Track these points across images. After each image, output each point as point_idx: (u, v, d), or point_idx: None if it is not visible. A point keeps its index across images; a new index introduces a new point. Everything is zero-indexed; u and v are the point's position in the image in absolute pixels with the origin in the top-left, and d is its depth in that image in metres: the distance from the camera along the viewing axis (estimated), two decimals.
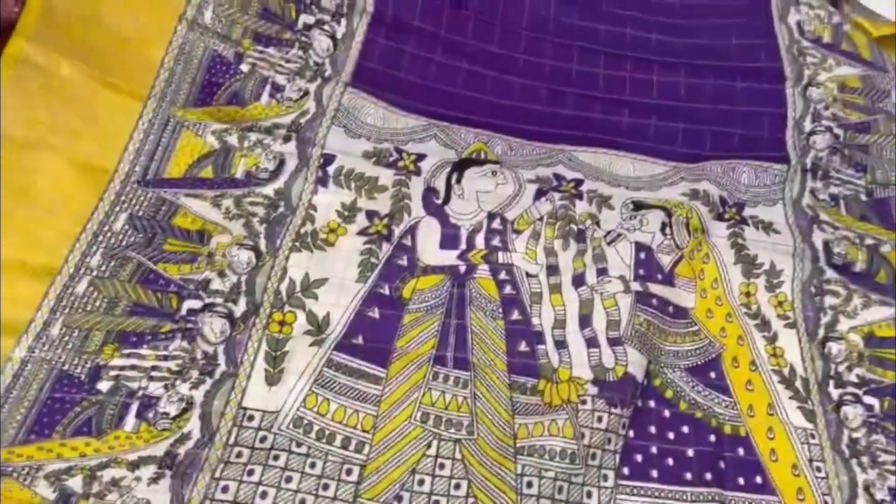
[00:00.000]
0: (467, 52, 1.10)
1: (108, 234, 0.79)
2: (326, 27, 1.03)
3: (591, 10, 1.19)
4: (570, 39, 1.15)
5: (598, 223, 0.97)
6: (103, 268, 0.77)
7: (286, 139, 0.94)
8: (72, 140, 0.81)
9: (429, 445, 0.76)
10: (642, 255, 0.95)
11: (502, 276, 0.90)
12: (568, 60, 1.13)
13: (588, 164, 1.04)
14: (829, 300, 0.95)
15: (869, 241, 1.01)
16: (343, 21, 1.05)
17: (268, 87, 0.96)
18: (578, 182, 1.01)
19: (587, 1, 1.20)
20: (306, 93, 0.98)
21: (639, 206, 0.99)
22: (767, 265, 0.97)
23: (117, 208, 0.81)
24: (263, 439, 0.73)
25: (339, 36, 1.04)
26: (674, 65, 1.15)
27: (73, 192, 0.79)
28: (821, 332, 0.93)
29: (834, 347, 0.91)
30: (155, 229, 0.81)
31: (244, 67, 0.96)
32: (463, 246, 0.91)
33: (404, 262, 0.88)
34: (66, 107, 0.82)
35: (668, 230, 0.97)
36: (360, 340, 0.81)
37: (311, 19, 1.03)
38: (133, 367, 0.73)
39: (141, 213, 0.82)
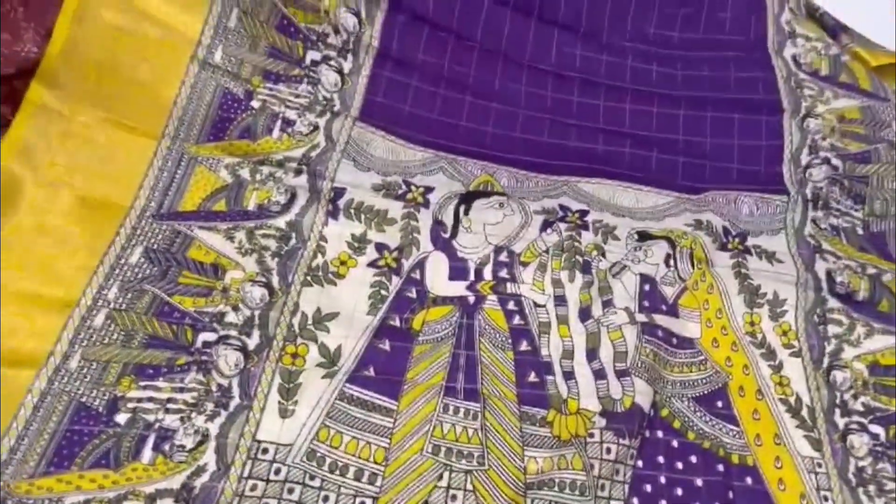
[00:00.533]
0: (470, 85, 1.11)
1: (125, 268, 0.81)
2: (333, 62, 1.05)
3: (593, 42, 1.20)
4: (570, 71, 1.17)
5: (603, 254, 0.98)
6: (120, 300, 0.78)
7: (297, 172, 0.95)
8: (88, 179, 0.83)
9: (440, 477, 0.76)
10: (646, 287, 0.96)
11: (511, 306, 0.91)
12: (569, 93, 1.15)
13: (592, 195, 1.05)
14: (832, 329, 0.96)
15: (871, 271, 1.02)
16: (349, 56, 1.07)
17: (279, 122, 0.98)
18: (584, 213, 1.02)
19: (589, 31, 1.21)
20: (316, 127, 1.00)
21: (643, 236, 1.00)
22: (771, 295, 0.98)
23: (133, 242, 0.82)
24: (278, 472, 0.74)
25: (346, 71, 1.06)
26: (674, 97, 1.16)
27: (89, 227, 0.81)
28: (826, 361, 0.93)
29: (839, 376, 0.92)
30: (170, 262, 0.83)
31: (255, 104, 0.98)
32: (472, 277, 0.92)
33: (414, 294, 0.89)
34: (83, 150, 0.84)
35: (671, 262, 0.98)
36: (371, 372, 0.82)
37: (318, 55, 1.05)
38: (150, 399, 0.74)
39: (156, 246, 0.83)
